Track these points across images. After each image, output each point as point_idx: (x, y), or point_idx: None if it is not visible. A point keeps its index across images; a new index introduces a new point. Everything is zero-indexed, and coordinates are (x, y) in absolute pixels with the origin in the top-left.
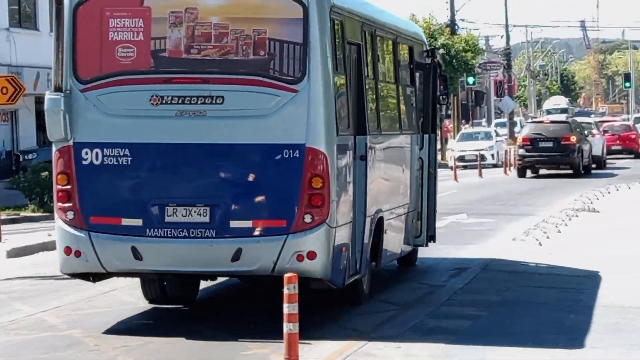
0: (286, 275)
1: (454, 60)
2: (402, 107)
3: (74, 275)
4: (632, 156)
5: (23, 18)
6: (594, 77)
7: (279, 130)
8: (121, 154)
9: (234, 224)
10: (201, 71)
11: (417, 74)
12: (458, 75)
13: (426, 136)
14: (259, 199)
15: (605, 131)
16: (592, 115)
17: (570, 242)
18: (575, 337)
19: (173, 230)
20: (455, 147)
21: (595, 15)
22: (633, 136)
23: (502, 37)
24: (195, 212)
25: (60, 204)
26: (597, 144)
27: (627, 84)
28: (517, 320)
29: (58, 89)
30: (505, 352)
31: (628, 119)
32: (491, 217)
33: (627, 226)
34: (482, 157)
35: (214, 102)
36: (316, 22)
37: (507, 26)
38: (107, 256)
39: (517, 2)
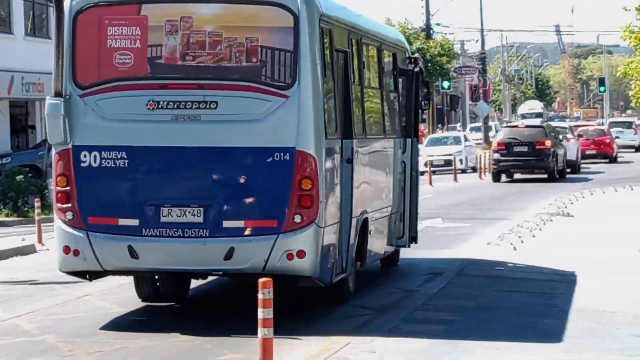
0: (261, 280)
1: (429, 65)
2: (386, 112)
3: (72, 274)
4: (607, 160)
5: None
6: (569, 82)
7: (270, 134)
8: (118, 156)
9: (226, 224)
10: (196, 77)
11: (400, 80)
12: (433, 80)
13: (409, 140)
14: (251, 200)
15: (579, 135)
16: (567, 120)
17: (544, 247)
18: (549, 342)
19: (168, 230)
20: (423, 152)
21: (571, 20)
22: (607, 141)
23: (477, 41)
24: (189, 212)
25: (59, 204)
26: (571, 149)
27: (602, 89)
28: (491, 324)
29: (58, 94)
30: (479, 356)
31: (603, 124)
32: (466, 221)
33: (602, 231)
34: (450, 163)
35: (208, 107)
36: (306, 30)
37: (482, 30)
38: (104, 255)
39: (492, 7)
